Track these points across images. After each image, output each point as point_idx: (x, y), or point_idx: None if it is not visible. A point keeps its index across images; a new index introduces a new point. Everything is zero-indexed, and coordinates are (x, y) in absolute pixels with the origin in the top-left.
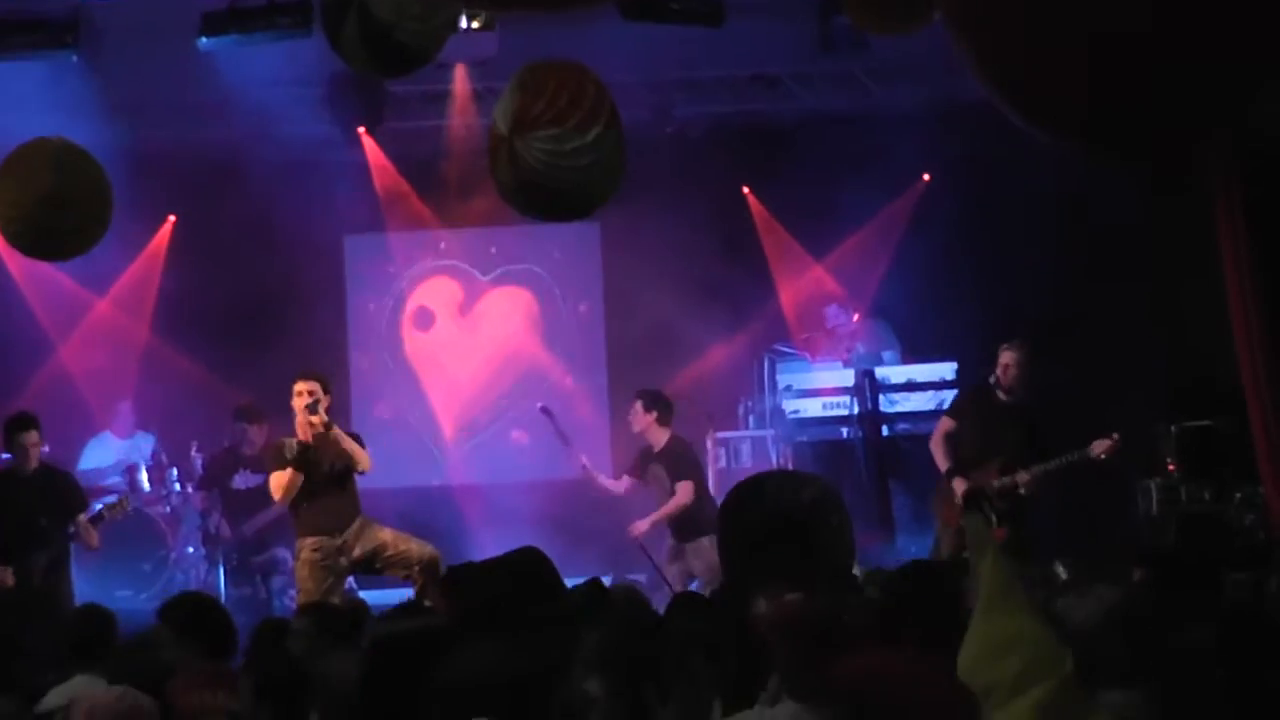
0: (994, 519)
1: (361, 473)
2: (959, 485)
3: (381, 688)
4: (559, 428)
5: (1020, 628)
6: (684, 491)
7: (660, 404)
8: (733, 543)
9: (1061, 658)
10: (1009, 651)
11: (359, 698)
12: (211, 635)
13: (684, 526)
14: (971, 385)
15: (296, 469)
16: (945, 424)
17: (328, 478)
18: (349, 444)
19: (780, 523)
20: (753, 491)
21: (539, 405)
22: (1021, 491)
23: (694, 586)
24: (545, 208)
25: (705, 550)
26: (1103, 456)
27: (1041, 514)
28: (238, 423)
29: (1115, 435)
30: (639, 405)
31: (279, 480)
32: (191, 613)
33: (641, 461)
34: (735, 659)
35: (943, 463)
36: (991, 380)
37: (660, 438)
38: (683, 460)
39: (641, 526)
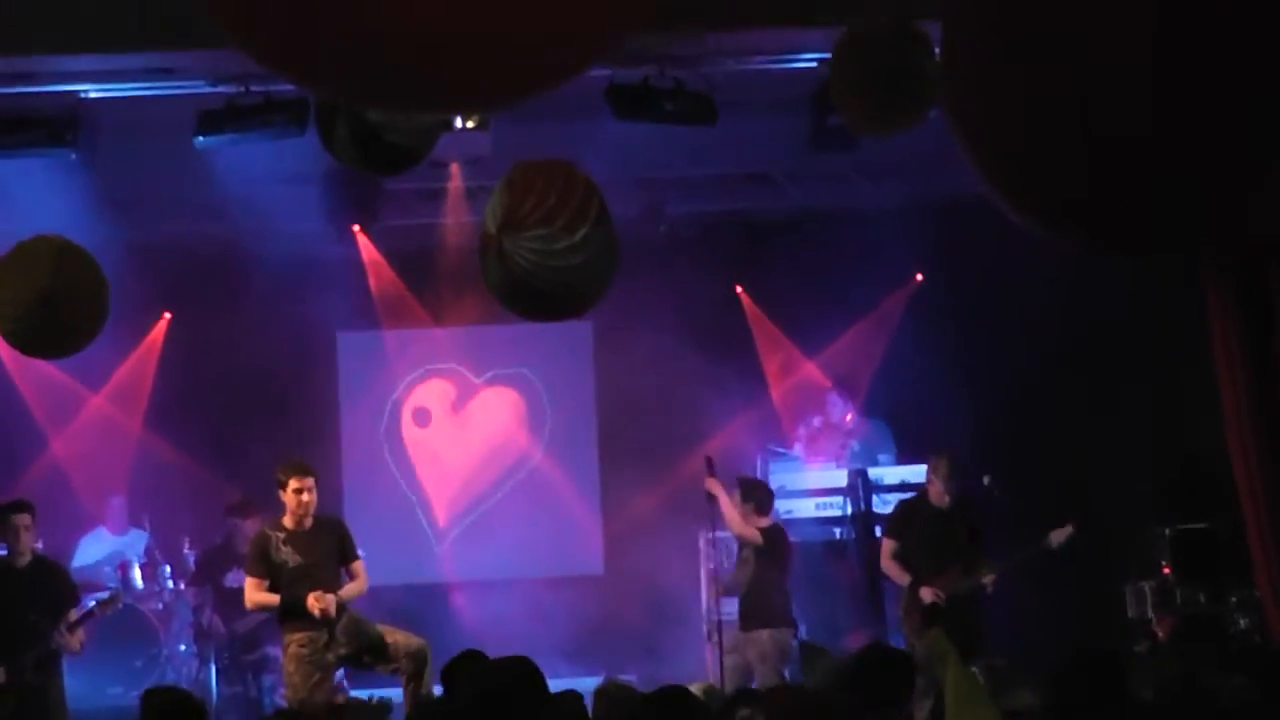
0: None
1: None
2: (927, 594)
3: None
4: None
5: None
6: (750, 529)
7: (757, 494)
8: None
9: None
10: None
11: None
12: None
13: (751, 614)
14: (900, 502)
15: (274, 588)
16: (889, 545)
17: (309, 576)
18: (352, 595)
19: None
20: None
21: (705, 455)
22: (988, 590)
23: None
24: (535, 308)
25: (763, 642)
26: (1059, 545)
27: (1034, 619)
28: (230, 519)
29: (1070, 525)
30: (736, 495)
31: (255, 595)
32: (169, 703)
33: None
34: None
35: (901, 578)
36: (920, 493)
37: (759, 524)
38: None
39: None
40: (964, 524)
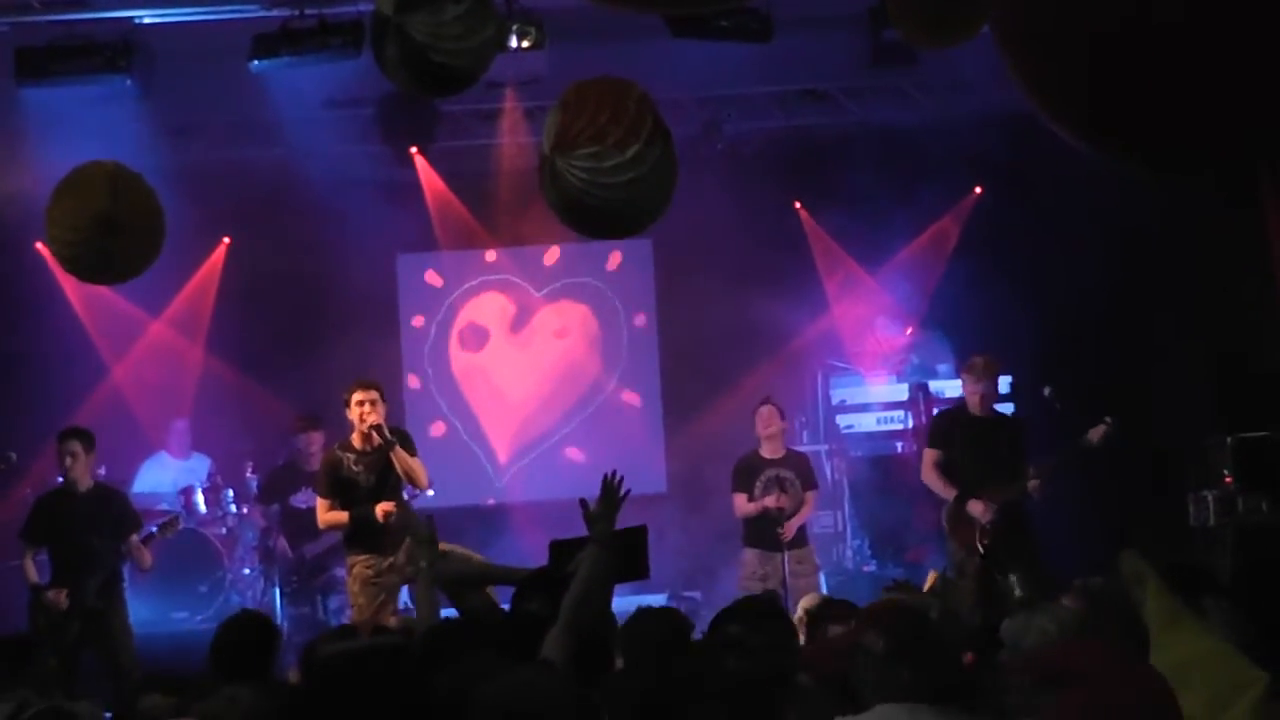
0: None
1: (420, 490)
2: (975, 507)
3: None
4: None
5: (1196, 653)
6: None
7: None
8: None
9: (1251, 677)
10: (1189, 679)
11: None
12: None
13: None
14: (941, 412)
15: (345, 506)
16: (931, 455)
17: (380, 496)
18: (407, 463)
19: None
20: None
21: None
22: (1034, 496)
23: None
24: (590, 225)
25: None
26: (1098, 442)
27: (1098, 530)
28: (296, 435)
29: (1108, 419)
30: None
31: (325, 515)
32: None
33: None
34: None
35: (945, 490)
36: (960, 402)
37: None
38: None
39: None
40: (1005, 431)
